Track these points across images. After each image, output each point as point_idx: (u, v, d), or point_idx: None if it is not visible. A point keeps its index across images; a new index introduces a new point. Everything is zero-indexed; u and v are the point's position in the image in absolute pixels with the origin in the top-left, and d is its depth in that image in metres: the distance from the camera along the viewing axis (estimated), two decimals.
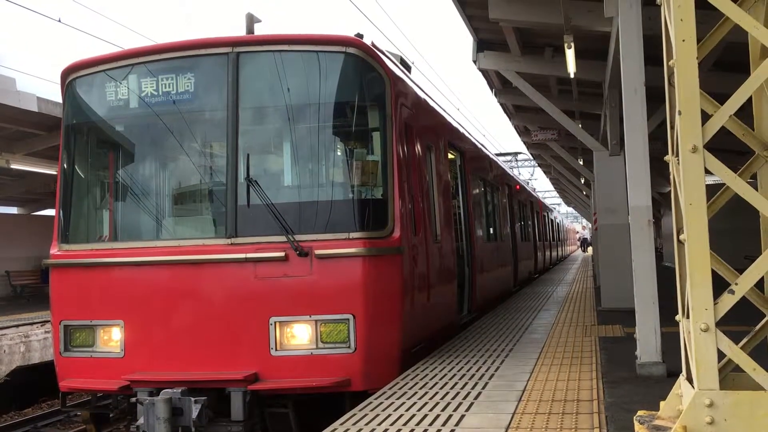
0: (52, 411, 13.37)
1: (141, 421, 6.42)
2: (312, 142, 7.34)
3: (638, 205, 6.93)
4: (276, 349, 6.76)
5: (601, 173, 13.63)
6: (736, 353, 3.54)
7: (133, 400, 6.69)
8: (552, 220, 38.28)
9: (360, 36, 7.46)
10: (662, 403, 4.12)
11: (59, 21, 14.98)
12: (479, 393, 6.05)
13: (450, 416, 5.28)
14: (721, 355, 3.53)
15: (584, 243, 72.27)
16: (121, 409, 7.36)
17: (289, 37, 7.33)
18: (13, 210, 25.39)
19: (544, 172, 39.02)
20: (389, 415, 5.39)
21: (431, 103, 9.81)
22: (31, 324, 14.39)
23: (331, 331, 6.73)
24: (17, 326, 13.98)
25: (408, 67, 9.62)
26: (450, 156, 10.59)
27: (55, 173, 18.16)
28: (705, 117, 3.63)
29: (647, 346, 6.71)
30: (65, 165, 7.79)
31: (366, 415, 5.47)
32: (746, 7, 3.79)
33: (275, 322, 6.77)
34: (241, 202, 7.03)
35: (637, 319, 6.82)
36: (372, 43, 7.48)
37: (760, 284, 3.66)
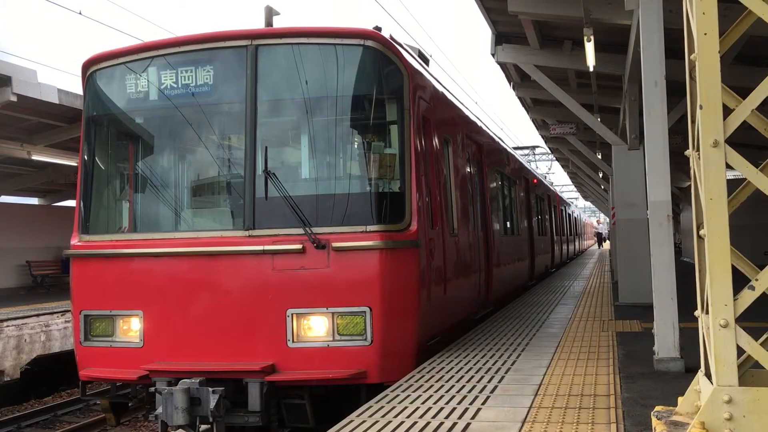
0: (72, 399, 13.57)
1: (159, 410, 6.50)
2: (330, 134, 7.35)
3: (658, 200, 6.88)
4: (293, 341, 6.80)
5: (620, 167, 13.52)
6: (756, 349, 3.52)
7: (152, 389, 6.77)
8: (569, 215, 38.06)
9: (378, 29, 7.45)
10: (680, 399, 4.10)
11: (80, 13, 15.11)
12: (495, 387, 6.05)
13: (466, 409, 5.29)
14: (740, 351, 3.50)
15: (599, 238, 70.66)
16: (139, 398, 7.45)
17: (308, 30, 7.34)
18: (34, 201, 25.63)
19: (562, 166, 38.79)
20: (405, 408, 5.41)
21: (449, 96, 9.78)
22: (52, 314, 14.56)
23: (347, 324, 6.76)
24: (38, 316, 14.16)
25: (426, 60, 9.59)
26: (467, 149, 10.57)
27: (75, 164, 18.34)
28: (726, 111, 3.59)
29: (665, 342, 6.68)
30: (86, 156, 7.86)
31: (382, 407, 5.49)
32: None
33: (292, 314, 6.81)
34: (259, 195, 7.06)
35: (656, 315, 6.79)
36: (390, 36, 7.47)
37: None
